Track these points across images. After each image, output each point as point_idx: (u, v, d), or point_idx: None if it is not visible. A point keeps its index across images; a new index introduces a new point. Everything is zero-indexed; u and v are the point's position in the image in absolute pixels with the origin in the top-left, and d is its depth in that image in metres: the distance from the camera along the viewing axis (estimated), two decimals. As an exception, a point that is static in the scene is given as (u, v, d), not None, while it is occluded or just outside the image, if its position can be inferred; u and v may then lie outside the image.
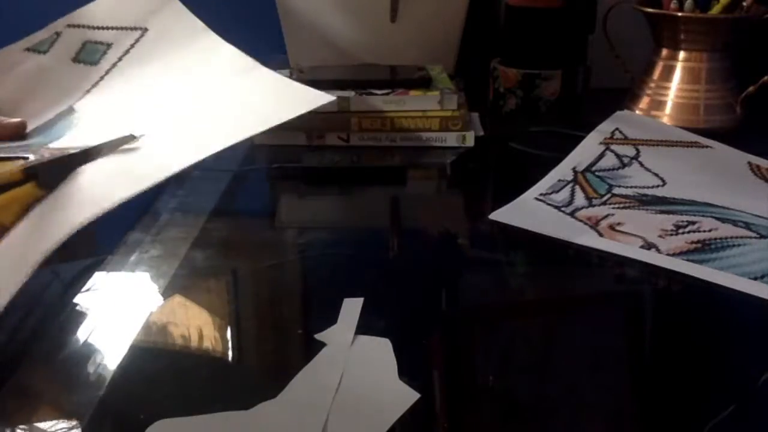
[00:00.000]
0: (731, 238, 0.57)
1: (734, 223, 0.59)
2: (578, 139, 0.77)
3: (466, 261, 0.60)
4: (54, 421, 0.40)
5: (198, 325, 0.51)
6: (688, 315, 0.52)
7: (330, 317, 0.48)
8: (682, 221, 0.60)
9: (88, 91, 0.70)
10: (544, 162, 0.72)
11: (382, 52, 0.93)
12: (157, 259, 0.57)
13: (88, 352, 0.46)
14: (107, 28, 0.75)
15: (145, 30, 0.74)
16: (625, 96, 0.89)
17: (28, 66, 0.73)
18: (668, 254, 0.55)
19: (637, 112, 0.86)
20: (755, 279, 0.51)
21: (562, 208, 0.63)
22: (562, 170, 0.71)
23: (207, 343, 0.49)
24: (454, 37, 0.97)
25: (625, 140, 0.77)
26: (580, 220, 0.61)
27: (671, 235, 0.58)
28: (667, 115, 0.84)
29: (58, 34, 0.76)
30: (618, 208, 0.63)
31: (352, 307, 0.49)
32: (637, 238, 0.57)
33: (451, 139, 0.79)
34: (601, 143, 0.76)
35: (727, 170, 0.71)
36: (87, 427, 0.39)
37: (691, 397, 0.43)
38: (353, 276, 0.56)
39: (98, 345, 0.46)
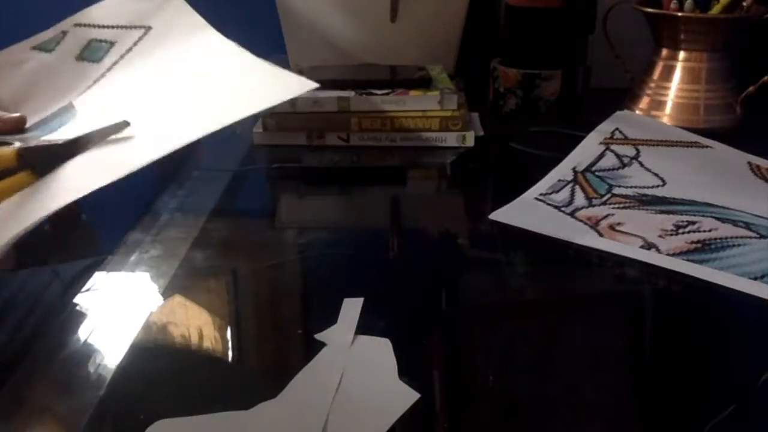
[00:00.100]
0: (731, 238, 0.57)
1: (734, 223, 0.59)
2: (578, 139, 0.77)
3: (466, 261, 0.60)
4: (54, 421, 0.40)
5: (198, 325, 0.51)
6: (688, 315, 0.52)
7: (330, 317, 0.48)
8: (682, 221, 0.60)
9: (89, 87, 0.71)
10: (544, 162, 0.72)
11: (382, 52, 0.93)
12: (157, 259, 0.57)
13: (88, 352, 0.46)
14: (112, 26, 0.76)
15: (149, 28, 0.74)
16: (625, 96, 0.89)
17: (33, 64, 0.74)
18: (668, 254, 0.55)
19: (637, 112, 0.86)
20: (755, 279, 0.51)
21: (562, 208, 0.63)
22: (562, 170, 0.71)
23: (207, 343, 0.49)
24: (454, 37, 0.97)
25: (625, 140, 0.77)
26: (580, 220, 0.61)
27: (671, 235, 0.58)
28: (667, 115, 0.84)
29: (64, 33, 0.77)
30: (618, 208, 0.63)
31: (352, 307, 0.49)
32: (637, 238, 0.57)
33: (451, 139, 0.79)
34: (601, 143, 0.76)
35: (727, 170, 0.71)
36: (87, 427, 0.39)
37: (691, 397, 0.43)
38: (353, 276, 0.56)
39: (98, 345, 0.46)
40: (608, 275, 0.57)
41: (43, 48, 0.76)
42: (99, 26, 0.77)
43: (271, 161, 0.78)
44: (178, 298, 0.53)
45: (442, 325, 0.50)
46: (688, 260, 0.54)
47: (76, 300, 0.52)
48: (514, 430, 0.41)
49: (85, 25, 0.77)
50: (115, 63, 0.73)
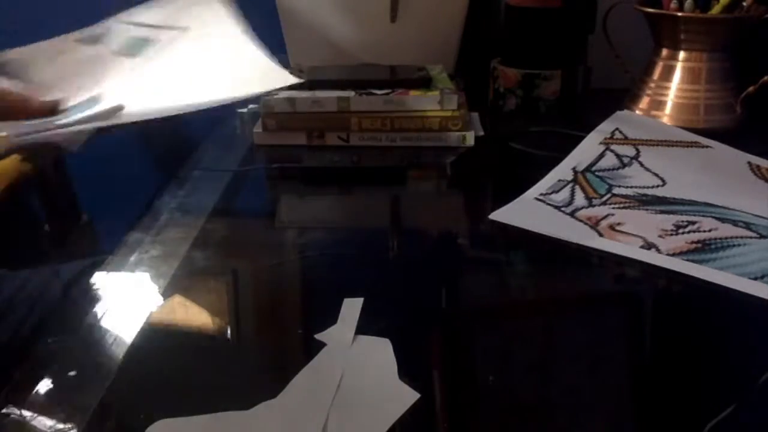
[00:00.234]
0: (731, 238, 0.57)
1: (734, 223, 0.59)
2: (578, 139, 0.77)
3: (466, 261, 0.60)
4: (54, 421, 0.40)
5: (198, 325, 0.51)
6: (688, 315, 0.52)
7: (330, 317, 0.48)
8: (682, 221, 0.60)
9: (120, 79, 0.73)
10: (544, 162, 0.72)
11: (382, 52, 0.93)
12: (157, 259, 0.57)
13: (87, 352, 0.46)
14: (153, 26, 0.78)
15: (186, 29, 0.76)
16: (625, 96, 0.89)
17: (74, 55, 0.77)
18: (668, 254, 0.55)
19: (637, 112, 0.86)
20: (755, 279, 0.51)
21: (562, 208, 0.63)
22: (562, 170, 0.71)
23: (207, 344, 0.49)
24: (454, 37, 0.97)
25: (625, 140, 0.77)
26: (580, 220, 0.61)
27: (671, 235, 0.58)
28: (667, 115, 0.84)
29: (107, 30, 0.80)
30: (618, 208, 0.63)
31: (352, 307, 0.49)
32: (637, 238, 0.57)
33: (451, 139, 0.79)
34: (601, 143, 0.76)
35: (727, 170, 0.71)
36: (87, 427, 0.39)
37: (691, 397, 0.43)
38: (353, 276, 0.56)
39: (98, 345, 0.46)
40: (608, 275, 0.57)
41: (86, 41, 0.79)
42: (140, 25, 0.79)
43: (271, 161, 0.78)
44: (178, 298, 0.53)
45: (442, 325, 0.50)
46: (688, 260, 0.54)
47: (75, 300, 0.52)
48: (514, 429, 0.41)
49: (127, 23, 0.80)
50: (149, 59, 0.74)
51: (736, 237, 0.57)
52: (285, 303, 0.55)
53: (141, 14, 0.81)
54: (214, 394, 0.42)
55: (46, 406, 0.41)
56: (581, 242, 0.57)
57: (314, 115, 0.79)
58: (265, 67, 0.69)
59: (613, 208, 0.63)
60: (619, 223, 0.60)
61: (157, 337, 0.48)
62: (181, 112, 0.61)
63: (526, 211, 0.63)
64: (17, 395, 0.42)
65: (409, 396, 0.41)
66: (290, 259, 0.61)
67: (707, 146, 0.76)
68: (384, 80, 0.82)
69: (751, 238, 0.57)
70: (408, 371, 0.43)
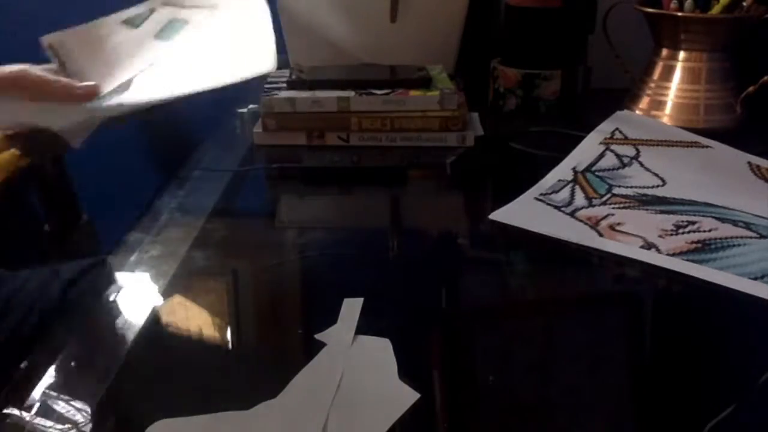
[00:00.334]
0: (731, 238, 0.57)
1: (734, 223, 0.59)
2: (578, 139, 0.77)
3: (466, 261, 0.60)
4: (54, 421, 0.40)
5: (198, 325, 0.51)
6: (688, 315, 0.52)
7: (330, 317, 0.48)
8: (682, 221, 0.60)
9: (151, 65, 0.74)
10: (544, 162, 0.72)
11: (382, 52, 0.93)
12: (157, 259, 0.57)
13: (87, 352, 0.46)
14: (190, 6, 0.79)
15: (215, 7, 0.76)
16: (625, 96, 0.89)
17: (119, 37, 0.78)
18: (668, 254, 0.55)
19: (637, 112, 0.86)
20: (755, 279, 0.51)
21: (562, 208, 0.63)
22: (562, 170, 0.71)
23: (207, 344, 0.49)
24: (454, 37, 0.97)
25: (625, 140, 0.77)
26: (580, 220, 0.61)
27: (671, 235, 0.58)
28: (667, 115, 0.84)
29: (151, 11, 0.80)
30: (618, 208, 0.63)
31: (352, 307, 0.49)
32: (637, 238, 0.57)
33: (451, 139, 0.79)
34: (601, 143, 0.76)
35: (727, 170, 0.71)
36: (87, 427, 0.39)
37: (691, 397, 0.43)
38: (353, 276, 0.56)
39: (98, 345, 0.46)
40: (608, 275, 0.57)
41: (131, 23, 0.79)
42: (180, 6, 0.80)
43: (271, 161, 0.78)
44: (178, 298, 0.53)
45: (442, 325, 0.50)
46: (688, 260, 0.54)
47: (75, 300, 0.52)
48: (514, 429, 0.41)
49: (170, 5, 0.81)
50: (176, 45, 0.75)
51: (736, 237, 0.57)
52: (285, 303, 0.55)
53: None
54: (214, 394, 0.42)
55: (46, 406, 0.41)
56: (581, 242, 0.57)
57: (314, 115, 0.79)
58: (264, 50, 0.70)
59: (613, 208, 0.63)
60: (619, 223, 0.60)
61: (157, 338, 0.48)
62: (175, 98, 0.62)
63: (526, 211, 0.63)
64: (17, 395, 0.42)
65: (409, 396, 0.41)
66: (290, 259, 0.61)
67: (707, 146, 0.76)
68: (384, 80, 0.82)
69: (751, 238, 0.57)
70: (408, 371, 0.43)
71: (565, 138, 0.78)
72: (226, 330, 0.50)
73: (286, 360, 0.47)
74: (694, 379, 0.45)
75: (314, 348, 0.45)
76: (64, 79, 0.70)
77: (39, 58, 0.73)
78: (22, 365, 0.45)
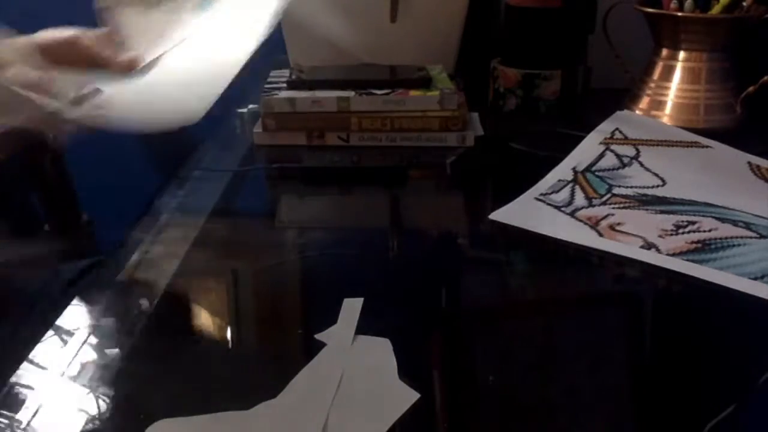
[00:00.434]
0: (731, 238, 0.57)
1: (734, 223, 0.59)
2: (578, 139, 0.77)
3: (466, 261, 0.60)
4: (54, 421, 0.40)
5: (198, 326, 0.51)
6: (688, 315, 0.52)
7: (330, 317, 0.48)
8: (682, 221, 0.60)
9: (173, 46, 0.73)
10: (544, 162, 0.72)
11: (382, 52, 0.93)
12: (157, 259, 0.57)
13: (87, 351, 0.46)
14: None
15: None
16: (625, 96, 0.89)
17: (157, 12, 0.76)
18: (668, 254, 0.55)
19: (637, 112, 0.86)
20: (755, 279, 0.51)
21: (562, 208, 0.63)
22: (562, 170, 0.71)
23: (207, 343, 0.49)
24: (454, 37, 0.97)
25: (625, 140, 0.77)
26: (580, 220, 0.61)
27: (671, 235, 0.58)
28: (667, 115, 0.84)
29: None
30: (618, 208, 0.63)
31: (352, 307, 0.49)
32: (637, 238, 0.57)
33: (451, 139, 0.79)
34: (601, 143, 0.76)
35: (727, 170, 0.71)
36: (87, 427, 0.39)
37: (691, 397, 0.43)
38: (353, 276, 0.56)
39: (98, 345, 0.46)
40: (608, 275, 0.57)
41: None
42: None
43: (271, 161, 0.78)
44: (178, 298, 0.53)
45: (442, 325, 0.50)
46: (688, 260, 0.54)
47: (75, 300, 0.52)
48: (514, 429, 0.41)
49: None
50: (201, 24, 0.74)
51: (736, 237, 0.57)
52: (285, 303, 0.55)
53: None
54: (214, 394, 0.42)
55: (46, 405, 0.41)
56: (581, 242, 0.57)
57: (314, 115, 0.79)
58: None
59: (613, 208, 0.63)
60: (619, 223, 0.60)
61: (157, 337, 0.48)
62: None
63: (526, 211, 0.63)
64: (18, 395, 0.42)
65: (409, 396, 0.41)
66: (290, 259, 0.61)
67: (707, 146, 0.76)
68: (384, 80, 0.82)
69: (751, 238, 0.57)
70: (408, 371, 0.43)
71: (565, 138, 0.78)
72: (226, 330, 0.50)
73: (286, 360, 0.47)
74: (694, 379, 0.44)
75: (314, 348, 0.45)
76: (110, 48, 0.69)
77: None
78: (22, 365, 0.45)
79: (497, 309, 0.53)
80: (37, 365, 0.45)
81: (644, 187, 0.67)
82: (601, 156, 0.73)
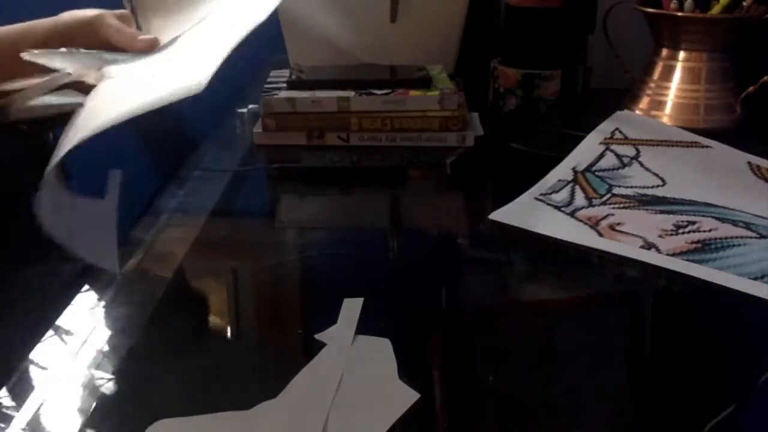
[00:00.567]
0: (731, 238, 0.57)
1: (734, 223, 0.59)
2: (578, 139, 0.77)
3: (466, 261, 0.60)
4: (54, 421, 0.40)
5: (198, 325, 0.51)
6: (688, 315, 0.52)
7: (330, 317, 0.48)
8: (682, 221, 0.60)
9: (183, 33, 0.72)
10: (544, 162, 0.72)
11: (382, 52, 0.93)
12: (157, 259, 0.57)
13: (88, 352, 0.46)
14: None
15: None
16: (625, 96, 0.89)
17: None
18: (668, 254, 0.55)
19: (637, 112, 0.86)
20: (755, 279, 0.51)
21: (562, 208, 0.63)
22: (562, 170, 0.71)
23: (207, 343, 0.49)
24: (454, 37, 0.97)
25: (625, 140, 0.77)
26: (580, 220, 0.61)
27: (671, 235, 0.58)
28: (667, 115, 0.84)
29: None
30: (618, 208, 0.63)
31: (352, 307, 0.49)
32: (637, 238, 0.57)
33: (451, 139, 0.79)
34: (601, 143, 0.76)
35: (727, 170, 0.71)
36: (87, 427, 0.39)
37: (691, 397, 0.43)
38: (353, 276, 0.56)
39: (98, 345, 0.46)
40: (608, 275, 0.57)
41: None
42: None
43: (271, 161, 0.78)
44: (178, 298, 0.53)
45: (442, 325, 0.50)
46: (688, 260, 0.54)
47: (75, 300, 0.52)
48: (514, 429, 0.41)
49: None
50: (210, 11, 0.73)
51: (736, 237, 0.57)
52: (285, 303, 0.55)
53: None
54: (214, 394, 0.42)
55: (45, 406, 0.41)
56: (581, 242, 0.57)
57: (314, 115, 0.79)
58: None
59: (613, 208, 0.63)
60: (619, 223, 0.60)
61: (157, 337, 0.48)
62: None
63: (526, 211, 0.63)
64: (18, 395, 0.42)
65: (409, 396, 0.41)
66: (290, 259, 0.61)
67: (707, 146, 0.76)
68: (384, 80, 0.82)
69: (751, 238, 0.57)
70: (408, 371, 0.43)
71: (565, 138, 0.78)
72: (226, 330, 0.50)
73: (286, 360, 0.47)
74: (694, 379, 0.44)
75: (314, 348, 0.45)
76: (129, 29, 0.69)
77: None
78: (22, 366, 0.45)
79: (497, 309, 0.53)
80: (37, 365, 0.45)
81: (644, 187, 0.67)
82: (601, 156, 0.73)
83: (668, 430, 0.40)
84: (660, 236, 0.57)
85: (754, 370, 0.43)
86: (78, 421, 0.40)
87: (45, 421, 0.40)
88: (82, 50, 0.67)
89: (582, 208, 0.63)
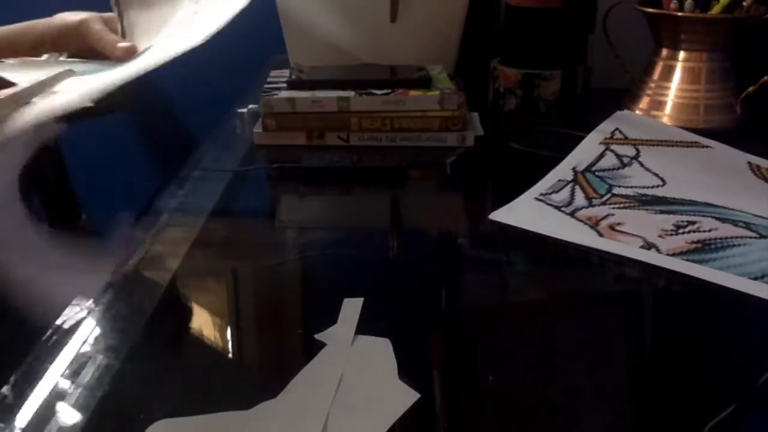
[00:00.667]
0: (731, 238, 0.57)
1: (734, 223, 0.59)
2: (578, 139, 0.77)
3: (466, 261, 0.60)
4: (54, 421, 0.40)
5: (198, 325, 0.51)
6: (688, 315, 0.52)
7: (330, 317, 0.48)
8: (682, 221, 0.60)
9: (170, 32, 0.72)
10: (544, 162, 0.72)
11: (382, 52, 0.93)
12: (157, 259, 0.57)
13: (88, 352, 0.46)
14: None
15: None
16: (625, 96, 0.89)
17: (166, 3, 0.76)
18: (668, 254, 0.55)
19: (637, 112, 0.86)
20: (755, 279, 0.51)
21: (562, 208, 0.63)
22: (562, 170, 0.71)
23: (207, 343, 0.49)
24: (454, 37, 0.97)
25: (625, 140, 0.77)
26: (580, 220, 0.61)
27: (671, 235, 0.58)
28: (667, 115, 0.84)
29: None
30: (618, 208, 0.63)
31: (352, 307, 0.49)
32: (637, 238, 0.57)
33: (451, 139, 0.79)
34: (601, 143, 0.76)
35: (727, 170, 0.71)
36: (87, 427, 0.39)
37: (691, 397, 0.43)
38: (353, 276, 0.56)
39: (98, 345, 0.46)
40: (608, 275, 0.57)
41: None
42: None
43: (271, 161, 0.78)
44: (178, 298, 0.53)
45: (442, 325, 0.50)
46: (688, 260, 0.54)
47: (75, 300, 0.52)
48: (514, 429, 0.41)
49: None
50: (199, 8, 0.73)
51: (736, 237, 0.57)
52: (285, 303, 0.55)
53: None
54: (214, 394, 0.42)
55: (45, 406, 0.41)
56: (581, 242, 0.57)
57: (314, 115, 0.79)
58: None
59: (613, 208, 0.63)
60: (619, 223, 0.60)
61: (157, 337, 0.48)
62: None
63: (526, 211, 0.63)
64: (18, 394, 0.42)
65: (409, 396, 0.41)
66: (290, 259, 0.61)
67: (707, 146, 0.76)
68: (384, 80, 0.82)
69: (751, 238, 0.57)
70: (408, 371, 0.43)
71: (565, 138, 0.78)
72: (226, 330, 0.50)
73: (286, 360, 0.47)
74: (694, 380, 0.44)
75: (314, 348, 0.45)
76: (110, 36, 0.70)
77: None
78: (22, 366, 0.45)
79: (497, 309, 0.53)
80: (37, 365, 0.45)
81: (644, 187, 0.67)
82: (601, 156, 0.73)
83: (668, 430, 0.40)
84: (660, 236, 0.57)
85: (754, 370, 0.43)
86: (78, 421, 0.40)
87: (45, 421, 0.40)
88: (59, 58, 0.67)
89: (582, 208, 0.63)
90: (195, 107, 1.25)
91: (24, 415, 0.41)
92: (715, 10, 0.80)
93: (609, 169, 0.71)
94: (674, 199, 0.64)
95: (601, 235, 0.58)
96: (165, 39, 0.70)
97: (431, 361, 0.46)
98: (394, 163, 0.77)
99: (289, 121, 0.79)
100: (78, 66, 0.66)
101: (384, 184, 0.75)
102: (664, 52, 0.85)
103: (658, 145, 0.76)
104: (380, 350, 0.45)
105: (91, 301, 0.52)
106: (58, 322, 0.49)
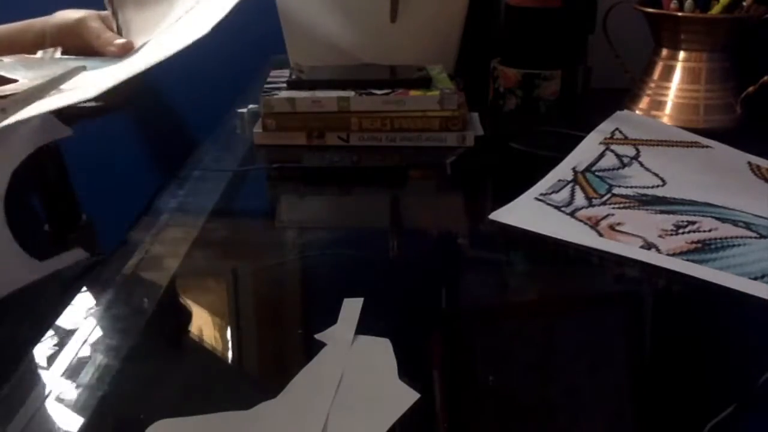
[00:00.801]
0: (731, 238, 0.57)
1: (734, 223, 0.59)
2: (578, 139, 0.77)
3: (466, 261, 0.60)
4: (54, 421, 0.40)
5: (198, 325, 0.51)
6: (688, 315, 0.52)
7: (330, 317, 0.48)
8: (682, 221, 0.60)
9: (165, 29, 0.72)
10: (544, 162, 0.72)
11: (382, 52, 0.93)
12: (157, 259, 0.57)
13: (88, 352, 0.46)
14: None
15: None
16: (625, 96, 0.89)
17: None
18: (668, 254, 0.55)
19: (637, 112, 0.86)
20: (755, 279, 0.51)
21: (562, 208, 0.63)
22: (562, 170, 0.71)
23: (207, 343, 0.49)
24: (454, 37, 0.97)
25: (625, 140, 0.77)
26: (580, 220, 0.61)
27: (671, 235, 0.58)
28: (667, 115, 0.84)
29: None
30: (618, 208, 0.63)
31: (352, 307, 0.49)
32: (637, 238, 0.57)
33: (451, 139, 0.79)
34: (601, 143, 0.76)
35: (727, 170, 0.71)
36: (87, 427, 0.39)
37: (691, 397, 0.43)
38: (353, 276, 0.56)
39: (98, 345, 0.46)
40: (608, 275, 0.57)
41: None
42: None
43: (271, 161, 0.78)
44: (178, 298, 0.53)
45: (442, 325, 0.50)
46: (688, 260, 0.54)
47: (75, 300, 0.52)
48: (514, 429, 0.41)
49: None
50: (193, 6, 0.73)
51: (736, 237, 0.57)
52: (285, 303, 0.55)
53: None
54: (214, 394, 0.42)
55: (45, 406, 0.41)
56: (581, 242, 0.57)
57: (314, 115, 0.79)
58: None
59: (613, 208, 0.63)
60: (619, 223, 0.60)
61: (157, 337, 0.48)
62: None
63: (526, 211, 0.63)
64: (16, 396, 0.42)
65: (409, 396, 0.41)
66: (290, 259, 0.61)
67: (707, 146, 0.76)
68: (384, 80, 0.82)
69: (751, 238, 0.57)
70: (408, 371, 0.43)
71: (565, 138, 0.78)
72: (226, 330, 0.50)
73: (286, 360, 0.47)
74: (694, 380, 0.44)
75: (314, 348, 0.45)
76: (106, 34, 0.70)
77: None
78: (21, 366, 0.45)
79: (497, 309, 0.53)
80: (37, 365, 0.45)
81: (644, 187, 0.67)
82: (601, 156, 0.73)
83: (668, 430, 0.40)
84: (660, 236, 0.57)
85: (754, 370, 0.43)
86: (78, 421, 0.40)
87: (45, 421, 0.40)
88: (54, 55, 0.67)
89: (582, 208, 0.63)
90: (195, 107, 1.25)
91: (24, 415, 0.41)
92: (715, 10, 0.80)
93: (609, 169, 0.71)
94: (674, 199, 0.64)
95: (601, 235, 0.58)
96: (164, 34, 0.69)
97: (431, 361, 0.46)
98: (394, 163, 0.77)
99: (289, 121, 0.79)
100: (79, 63, 0.66)
101: (384, 184, 0.75)
102: (664, 52, 0.85)
103: (658, 145, 0.76)
104: (380, 350, 0.45)
105: (90, 301, 0.52)
106: (58, 322, 0.49)
